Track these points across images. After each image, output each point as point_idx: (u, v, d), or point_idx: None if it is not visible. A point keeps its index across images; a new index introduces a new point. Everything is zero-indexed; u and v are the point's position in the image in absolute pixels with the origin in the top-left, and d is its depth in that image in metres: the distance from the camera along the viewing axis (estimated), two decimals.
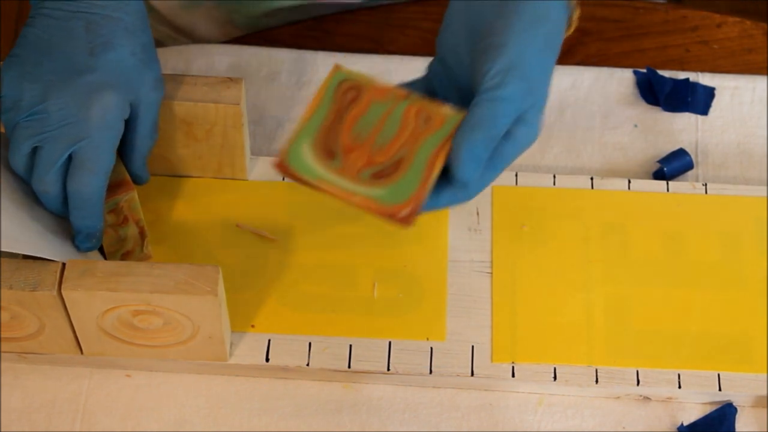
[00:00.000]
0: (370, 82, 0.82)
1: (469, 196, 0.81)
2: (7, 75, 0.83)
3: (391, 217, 0.78)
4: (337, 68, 0.82)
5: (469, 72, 0.81)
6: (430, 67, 0.85)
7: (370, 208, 0.78)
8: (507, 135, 0.79)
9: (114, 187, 0.86)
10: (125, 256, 0.90)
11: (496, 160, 0.80)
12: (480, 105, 0.78)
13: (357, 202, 0.78)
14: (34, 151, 0.83)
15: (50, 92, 0.82)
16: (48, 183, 0.83)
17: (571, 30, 0.83)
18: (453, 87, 0.83)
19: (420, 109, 0.81)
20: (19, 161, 0.83)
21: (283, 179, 0.95)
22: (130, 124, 0.85)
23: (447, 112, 0.80)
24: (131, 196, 0.87)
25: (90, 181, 0.83)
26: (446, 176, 0.79)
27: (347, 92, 0.81)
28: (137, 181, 0.88)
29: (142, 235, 0.89)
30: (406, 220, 0.78)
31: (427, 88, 0.84)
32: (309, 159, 0.79)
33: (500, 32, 0.79)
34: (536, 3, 0.80)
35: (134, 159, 0.87)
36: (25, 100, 0.82)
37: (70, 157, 0.83)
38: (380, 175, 0.79)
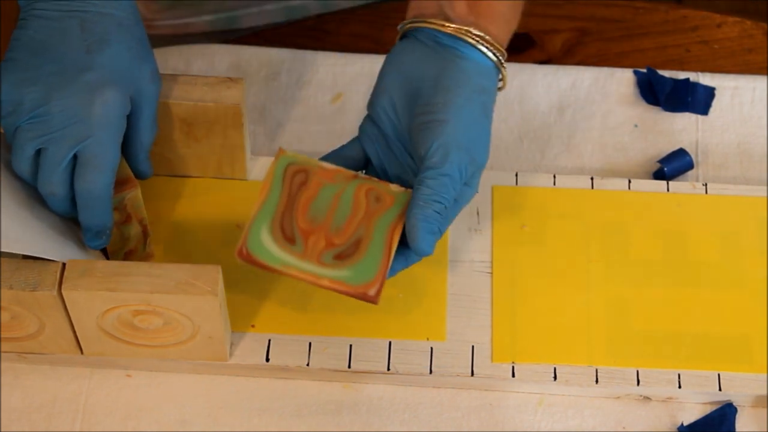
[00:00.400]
0: (315, 164, 0.85)
1: (419, 258, 0.85)
2: (5, 79, 0.83)
3: (362, 297, 0.81)
4: (281, 152, 0.85)
5: (406, 138, 0.85)
6: (362, 128, 0.88)
7: (340, 290, 0.82)
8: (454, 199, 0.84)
9: (117, 184, 0.86)
10: (128, 255, 0.90)
11: (445, 217, 0.84)
12: (426, 182, 0.82)
13: (326, 285, 0.82)
14: (38, 153, 0.83)
15: (51, 93, 0.82)
16: (55, 184, 0.83)
17: (504, 88, 0.87)
18: (387, 149, 0.87)
19: (369, 188, 0.85)
20: (23, 165, 0.83)
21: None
22: (131, 119, 0.85)
23: (395, 189, 0.85)
24: (135, 194, 0.87)
25: (97, 179, 0.83)
26: (399, 245, 0.84)
27: (295, 176, 0.84)
28: (141, 176, 0.88)
29: (144, 233, 0.89)
30: (376, 298, 0.82)
31: (359, 150, 0.88)
32: (270, 246, 0.82)
33: (440, 109, 0.83)
34: (472, 78, 0.84)
35: (137, 153, 0.87)
36: (26, 103, 0.82)
37: (75, 157, 0.83)
38: (342, 257, 0.82)
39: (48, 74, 0.82)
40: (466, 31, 0.84)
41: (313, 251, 0.82)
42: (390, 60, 0.87)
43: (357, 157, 0.88)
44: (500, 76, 0.86)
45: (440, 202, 0.82)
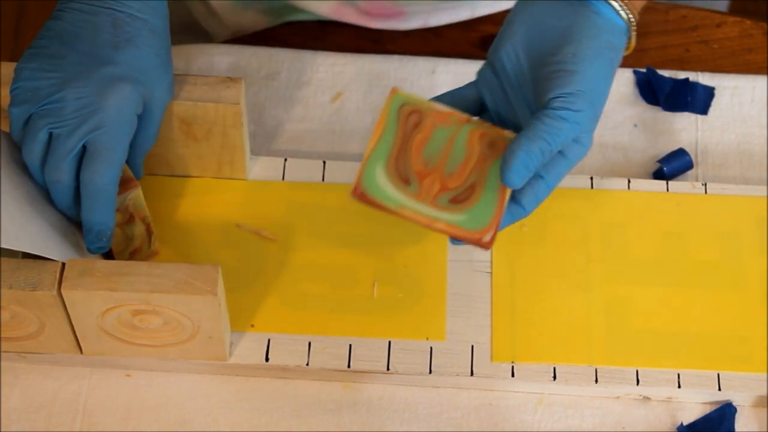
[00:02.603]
0: (429, 106, 0.84)
1: (525, 213, 0.84)
2: (27, 66, 0.84)
3: (477, 242, 0.81)
4: (394, 92, 0.84)
5: (526, 87, 0.83)
6: (480, 73, 0.86)
7: (455, 235, 0.81)
8: (560, 152, 0.83)
9: (120, 185, 0.86)
10: (133, 255, 0.90)
11: (550, 177, 0.83)
12: (543, 119, 0.80)
13: (440, 228, 0.81)
14: (50, 140, 0.83)
15: (69, 81, 0.82)
16: (62, 171, 0.83)
17: (630, 51, 0.86)
18: (504, 97, 0.85)
19: (482, 133, 0.83)
20: (34, 151, 0.83)
21: (283, 179, 0.96)
22: (138, 122, 0.86)
23: (509, 135, 0.83)
24: (136, 194, 0.87)
25: (104, 171, 0.83)
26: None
27: (409, 116, 0.83)
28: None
29: (148, 231, 0.90)
30: (490, 244, 0.81)
31: (475, 94, 0.87)
32: (386, 186, 0.82)
33: (570, 59, 0.81)
34: (603, 33, 0.83)
35: (135, 157, 0.87)
36: (44, 89, 0.83)
37: (84, 148, 0.83)
38: (456, 201, 0.82)
39: (71, 64, 0.83)
40: None
41: (428, 193, 0.82)
42: (519, 8, 0.85)
43: (472, 101, 0.87)
44: (629, 39, 0.85)
45: (547, 142, 0.80)
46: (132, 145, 0.86)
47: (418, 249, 0.93)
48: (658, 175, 0.99)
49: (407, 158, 0.83)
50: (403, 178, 0.82)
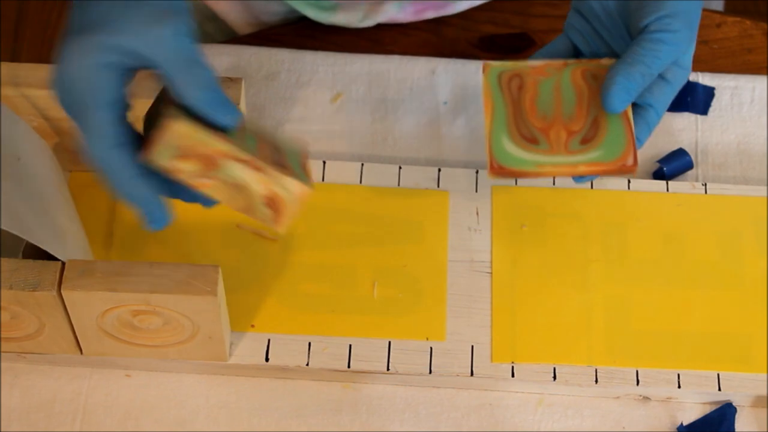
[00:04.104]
0: (524, 65, 0.86)
1: (640, 144, 0.85)
2: None
3: (622, 169, 0.83)
4: (488, 66, 0.86)
5: (617, 20, 0.84)
6: (568, 22, 0.87)
7: (599, 171, 0.83)
8: (661, 76, 0.83)
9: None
10: (272, 203, 0.81)
11: (658, 104, 0.84)
12: (642, 43, 0.81)
13: (583, 171, 0.83)
14: None
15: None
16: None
17: None
18: (596, 36, 0.86)
19: (583, 70, 0.85)
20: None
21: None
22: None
23: (606, 62, 0.85)
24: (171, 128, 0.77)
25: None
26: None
27: (511, 82, 0.85)
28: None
29: (256, 168, 0.78)
30: (635, 167, 0.83)
31: (568, 44, 0.88)
32: (517, 152, 0.83)
33: None
34: None
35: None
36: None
37: None
38: (587, 140, 0.83)
39: None
40: None
41: (558, 143, 0.83)
42: None
43: (566, 52, 0.88)
44: None
45: (647, 65, 0.81)
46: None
47: (418, 249, 0.93)
48: (658, 175, 0.99)
49: (525, 119, 0.84)
50: (529, 139, 0.84)
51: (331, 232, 0.94)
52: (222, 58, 1.03)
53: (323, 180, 0.96)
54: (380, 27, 1.06)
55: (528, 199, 0.95)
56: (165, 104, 0.77)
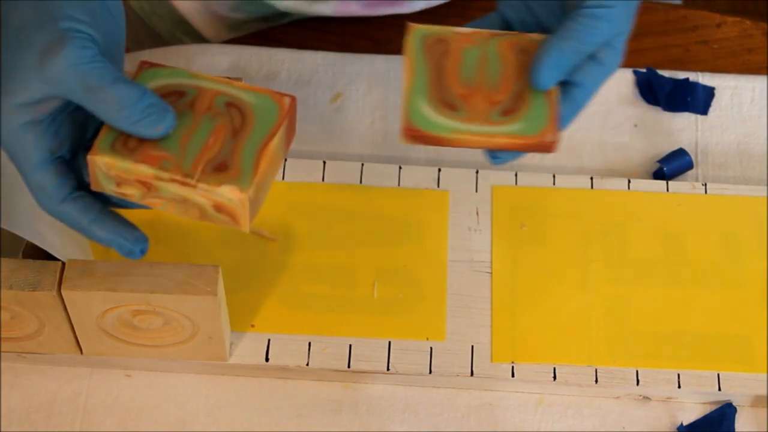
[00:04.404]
0: (450, 31, 0.82)
1: (565, 124, 0.81)
2: None
3: (541, 145, 0.78)
4: (412, 27, 0.82)
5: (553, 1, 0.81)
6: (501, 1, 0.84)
7: (517, 145, 0.78)
8: (593, 57, 0.80)
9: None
10: (220, 210, 0.78)
11: (587, 83, 0.80)
12: (576, 18, 0.78)
13: (501, 143, 0.78)
14: None
15: None
16: None
17: None
18: (530, 14, 0.83)
19: (511, 42, 0.81)
20: None
21: (283, 179, 0.96)
22: None
23: (537, 37, 0.81)
24: (93, 160, 0.77)
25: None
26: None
27: (434, 46, 0.81)
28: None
29: (181, 183, 0.76)
30: (554, 144, 0.78)
31: (500, 20, 0.84)
32: (434, 117, 0.78)
33: None
34: None
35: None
36: None
37: None
38: (508, 112, 0.79)
39: None
40: None
41: (478, 112, 0.79)
42: None
43: (497, 26, 0.84)
44: None
45: (581, 42, 0.78)
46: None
47: (417, 249, 0.93)
48: (658, 175, 0.99)
49: (446, 85, 0.80)
50: (449, 104, 0.79)
51: (331, 232, 0.94)
52: (222, 58, 1.03)
53: (323, 180, 0.96)
54: (380, 27, 1.06)
55: (528, 199, 0.95)
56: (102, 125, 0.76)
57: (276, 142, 0.77)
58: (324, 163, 0.97)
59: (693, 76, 1.03)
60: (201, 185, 0.74)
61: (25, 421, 0.88)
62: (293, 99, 0.78)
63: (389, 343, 0.90)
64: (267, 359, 0.89)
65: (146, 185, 0.75)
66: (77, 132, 0.77)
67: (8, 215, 0.81)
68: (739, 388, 0.89)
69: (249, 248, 0.93)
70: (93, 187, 0.76)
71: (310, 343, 0.89)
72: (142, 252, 0.78)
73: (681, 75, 1.03)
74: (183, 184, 0.75)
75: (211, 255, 0.92)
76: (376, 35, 1.06)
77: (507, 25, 0.84)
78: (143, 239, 0.78)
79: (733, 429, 0.89)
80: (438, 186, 0.96)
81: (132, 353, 0.88)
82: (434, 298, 0.91)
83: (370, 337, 0.90)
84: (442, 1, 1.05)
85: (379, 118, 1.01)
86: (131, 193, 0.76)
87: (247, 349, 0.89)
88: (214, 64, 1.03)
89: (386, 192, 0.95)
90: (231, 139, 0.76)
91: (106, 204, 0.78)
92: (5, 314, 0.84)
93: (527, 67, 0.80)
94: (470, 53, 0.81)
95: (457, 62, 0.81)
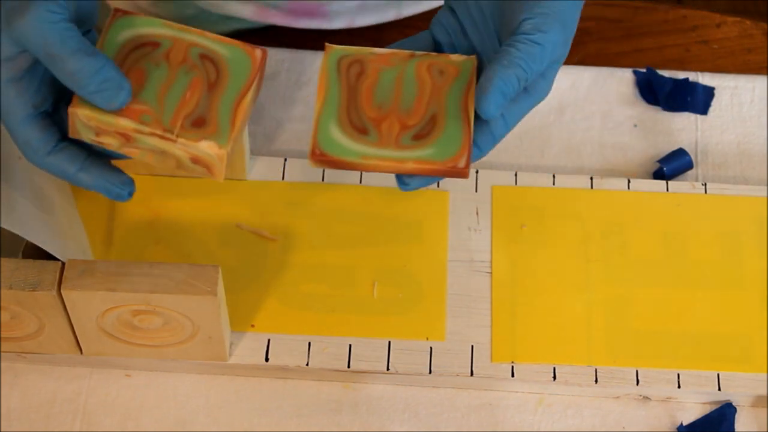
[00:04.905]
0: (368, 52, 0.81)
1: (481, 154, 0.80)
2: None
3: (453, 171, 0.77)
4: (329, 48, 0.81)
5: (488, 21, 0.80)
6: (436, 21, 0.83)
7: (427, 170, 0.77)
8: (525, 88, 0.79)
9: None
10: (197, 162, 0.80)
11: (509, 114, 0.79)
12: (517, 45, 0.76)
13: (410, 168, 0.77)
14: None
15: None
16: None
17: None
18: (462, 37, 0.82)
19: (430, 64, 0.80)
20: None
21: (283, 179, 0.96)
22: None
23: (457, 59, 0.80)
24: (74, 112, 0.78)
25: None
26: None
27: (350, 67, 0.80)
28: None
29: (161, 137, 0.78)
30: (466, 170, 0.77)
31: (430, 41, 0.83)
32: (343, 140, 0.77)
33: None
34: None
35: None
36: None
37: None
38: (421, 136, 0.78)
39: None
40: None
41: (389, 137, 0.77)
42: None
43: (426, 47, 0.83)
44: None
45: (524, 69, 0.76)
46: None
47: (417, 249, 0.93)
48: (658, 175, 0.99)
49: (359, 108, 0.79)
50: (359, 128, 0.78)
51: (331, 232, 0.94)
52: None
53: (323, 180, 0.96)
54: (380, 27, 1.06)
55: (528, 199, 0.95)
56: None
57: (250, 96, 0.78)
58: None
59: (693, 76, 1.03)
60: (181, 140, 0.76)
61: (24, 421, 0.88)
62: (264, 52, 0.79)
63: (389, 343, 0.90)
64: (267, 359, 0.89)
65: (125, 136, 0.77)
66: (58, 86, 0.78)
67: (8, 215, 0.81)
68: (739, 388, 0.89)
69: (249, 248, 0.93)
70: (71, 135, 0.78)
71: (310, 343, 0.89)
72: (130, 194, 0.81)
73: (681, 75, 1.03)
74: (163, 138, 0.76)
75: (211, 255, 0.92)
76: (376, 35, 1.06)
77: (436, 47, 0.83)
78: (130, 182, 0.81)
79: (733, 429, 0.89)
80: (438, 186, 0.96)
81: (132, 353, 0.88)
82: (434, 298, 0.91)
83: (369, 337, 0.90)
84: (362, 25, 1.05)
85: None
86: (109, 142, 0.78)
87: (247, 349, 0.89)
88: None
89: (386, 192, 0.95)
90: (207, 93, 0.78)
91: (89, 152, 0.80)
92: (5, 314, 0.84)
93: (444, 89, 0.79)
94: (387, 75, 0.80)
95: (373, 84, 0.80)
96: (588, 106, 1.02)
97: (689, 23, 1.07)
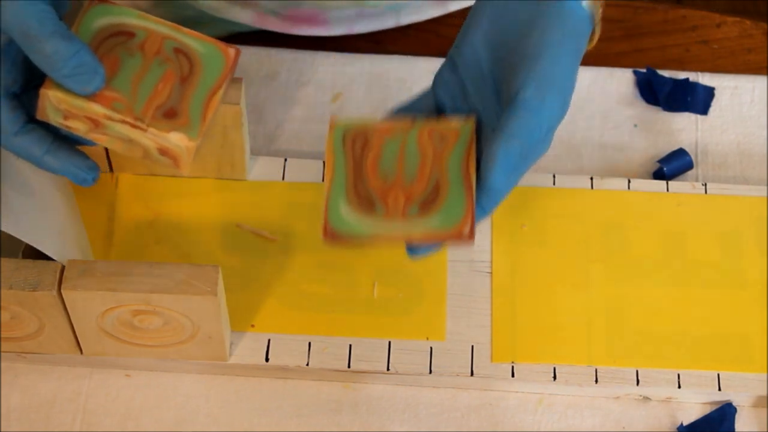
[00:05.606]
0: (371, 124, 0.82)
1: (485, 214, 0.80)
2: None
3: (458, 238, 0.78)
4: (334, 122, 0.82)
5: (488, 83, 0.81)
6: (438, 75, 0.84)
7: (434, 239, 0.78)
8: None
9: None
10: (164, 153, 0.80)
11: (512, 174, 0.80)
12: (517, 115, 0.78)
13: (419, 239, 0.78)
14: None
15: None
16: None
17: (593, 44, 0.83)
18: (464, 97, 0.83)
19: (430, 130, 0.81)
20: None
21: (283, 179, 0.96)
22: None
23: (456, 124, 0.81)
24: (45, 94, 0.78)
25: None
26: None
27: (355, 141, 0.81)
28: None
29: (130, 124, 0.78)
30: (471, 236, 0.78)
31: (432, 100, 0.84)
32: (353, 218, 0.79)
33: (535, 47, 0.79)
34: (567, 21, 0.80)
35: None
36: None
37: None
38: (425, 206, 0.79)
39: None
40: None
41: (395, 209, 0.79)
42: (480, 3, 0.83)
43: (428, 109, 0.84)
44: (593, 30, 0.82)
45: (524, 140, 0.78)
46: None
47: None
48: (658, 175, 0.99)
49: (365, 182, 0.80)
50: (366, 203, 0.79)
51: None
52: None
53: (323, 180, 0.96)
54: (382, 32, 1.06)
55: (528, 199, 0.95)
56: None
57: (222, 92, 0.79)
58: (324, 163, 0.97)
59: (693, 76, 1.03)
60: (152, 130, 0.77)
61: (25, 421, 0.88)
62: (238, 51, 0.80)
63: (389, 343, 0.90)
64: (267, 359, 0.89)
65: (94, 122, 0.77)
66: (29, 67, 0.78)
67: (6, 217, 0.81)
68: (739, 388, 0.89)
69: (249, 248, 0.93)
70: (39, 116, 0.78)
71: (310, 343, 0.89)
72: (94, 180, 0.81)
73: (681, 75, 1.03)
74: (133, 126, 0.77)
75: (211, 255, 0.92)
76: (377, 35, 1.06)
77: (439, 108, 0.84)
78: (95, 168, 0.81)
79: (733, 429, 0.89)
80: None
81: (132, 353, 0.88)
82: (434, 298, 0.91)
83: (370, 337, 0.90)
84: (361, 32, 1.05)
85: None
86: (77, 127, 0.78)
87: (247, 349, 0.89)
88: None
89: None
90: (179, 86, 0.78)
91: (56, 135, 0.80)
92: (5, 314, 0.84)
93: (445, 155, 0.80)
94: (390, 145, 0.81)
95: (377, 156, 0.81)
96: (588, 106, 1.02)
97: (689, 23, 1.07)
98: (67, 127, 0.78)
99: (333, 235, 0.78)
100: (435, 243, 0.79)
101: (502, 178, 0.78)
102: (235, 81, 0.89)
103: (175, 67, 0.79)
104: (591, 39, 0.83)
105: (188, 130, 0.77)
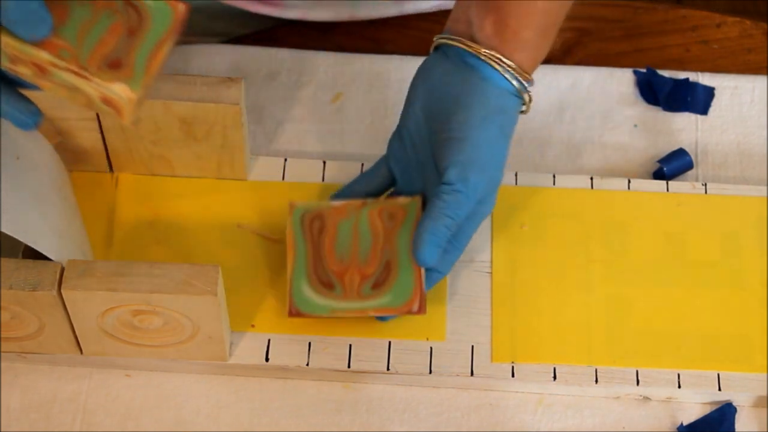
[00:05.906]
0: (327, 206, 0.90)
1: (443, 274, 0.89)
2: None
3: (409, 313, 0.86)
4: (292, 206, 0.90)
5: (428, 154, 0.87)
6: (389, 147, 0.90)
7: (388, 314, 0.87)
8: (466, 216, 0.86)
9: None
10: (109, 103, 0.80)
11: (458, 241, 0.88)
12: (441, 196, 0.85)
13: (373, 314, 0.87)
14: None
15: None
16: None
17: (528, 111, 0.89)
18: (409, 166, 0.89)
19: (380, 210, 0.90)
20: None
21: (283, 179, 0.96)
22: None
23: (403, 201, 0.90)
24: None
25: None
26: None
27: (312, 224, 0.90)
28: None
29: (76, 72, 0.78)
30: (421, 310, 0.86)
31: (386, 169, 0.91)
32: (313, 297, 0.87)
33: (458, 127, 0.85)
34: (491, 99, 0.85)
35: None
36: None
37: None
38: (378, 284, 0.87)
39: None
40: (491, 55, 0.85)
41: (351, 289, 0.87)
42: (420, 72, 0.89)
43: (384, 176, 0.91)
44: (524, 101, 0.88)
45: (451, 218, 0.84)
46: None
47: None
48: (658, 175, 0.99)
49: (324, 263, 0.88)
50: (326, 283, 0.88)
51: None
52: (222, 57, 1.03)
53: (323, 180, 0.96)
54: (380, 27, 1.06)
55: (528, 199, 0.95)
56: None
57: (168, 46, 0.79)
58: (324, 163, 0.97)
59: (693, 76, 1.03)
60: (95, 79, 0.77)
61: (24, 420, 0.88)
62: (187, 6, 0.80)
63: (389, 343, 0.90)
64: (267, 359, 0.89)
65: (40, 68, 0.77)
66: None
67: (5, 217, 0.81)
68: (739, 388, 0.89)
69: (249, 248, 0.93)
70: None
71: (310, 343, 0.89)
72: (36, 124, 0.80)
73: (681, 75, 1.03)
74: (78, 74, 0.77)
75: (211, 255, 0.92)
76: (377, 35, 1.06)
77: (392, 178, 0.91)
78: (37, 112, 0.81)
79: (733, 429, 0.89)
80: None
81: (132, 353, 0.88)
82: (434, 298, 0.91)
83: (370, 337, 0.90)
84: (315, 20, 1.05)
85: (379, 118, 1.01)
86: (23, 72, 0.78)
87: (247, 349, 0.89)
88: (213, 65, 1.03)
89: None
90: (126, 38, 0.78)
91: (2, 79, 0.80)
92: (5, 314, 0.84)
93: (394, 233, 0.88)
94: (344, 226, 0.90)
95: (333, 238, 0.89)
96: (588, 106, 1.02)
97: (689, 23, 1.07)
98: (14, 71, 0.78)
99: (298, 313, 0.87)
100: (389, 315, 0.88)
101: (432, 254, 0.85)
102: (235, 81, 0.89)
103: (123, 20, 0.79)
104: (525, 107, 0.88)
105: (131, 81, 0.77)
